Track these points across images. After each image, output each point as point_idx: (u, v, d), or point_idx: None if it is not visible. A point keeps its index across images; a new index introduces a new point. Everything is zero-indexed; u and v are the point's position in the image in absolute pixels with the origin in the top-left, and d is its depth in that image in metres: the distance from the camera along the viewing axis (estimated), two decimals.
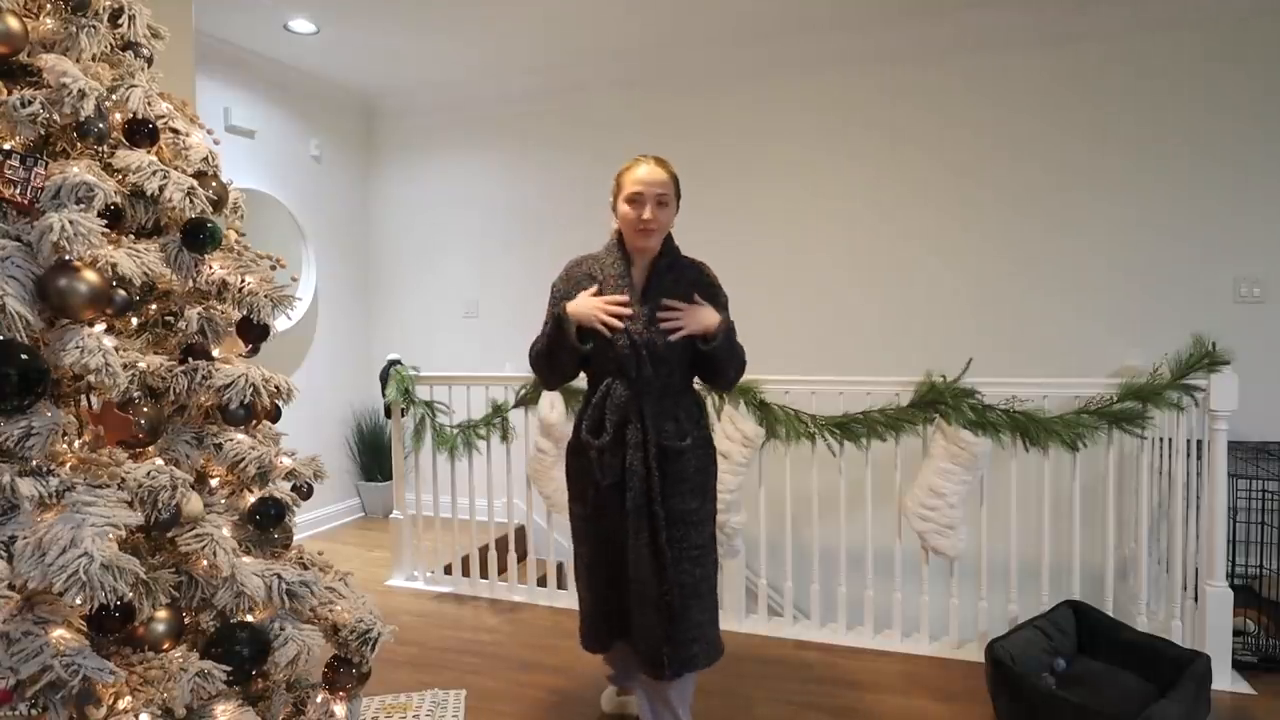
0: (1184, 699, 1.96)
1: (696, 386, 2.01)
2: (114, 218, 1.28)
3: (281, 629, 1.34)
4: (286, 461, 1.53)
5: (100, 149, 1.30)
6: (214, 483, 1.46)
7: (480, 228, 4.70)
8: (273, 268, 1.53)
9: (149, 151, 1.36)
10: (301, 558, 1.52)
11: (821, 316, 3.95)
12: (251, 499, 1.45)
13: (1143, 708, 1.92)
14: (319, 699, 1.47)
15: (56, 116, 1.18)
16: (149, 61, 1.48)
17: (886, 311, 3.84)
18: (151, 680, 1.15)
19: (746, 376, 2.17)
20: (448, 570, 3.49)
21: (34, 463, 1.06)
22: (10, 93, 1.17)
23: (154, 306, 1.43)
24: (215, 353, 1.43)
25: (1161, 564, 2.78)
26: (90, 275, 1.12)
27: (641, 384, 1.85)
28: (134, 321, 1.40)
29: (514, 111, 4.57)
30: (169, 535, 1.25)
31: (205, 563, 1.27)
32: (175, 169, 1.37)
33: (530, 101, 4.51)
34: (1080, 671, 2.28)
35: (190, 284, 1.41)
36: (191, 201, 1.33)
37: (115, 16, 1.42)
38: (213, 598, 1.28)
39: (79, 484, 1.07)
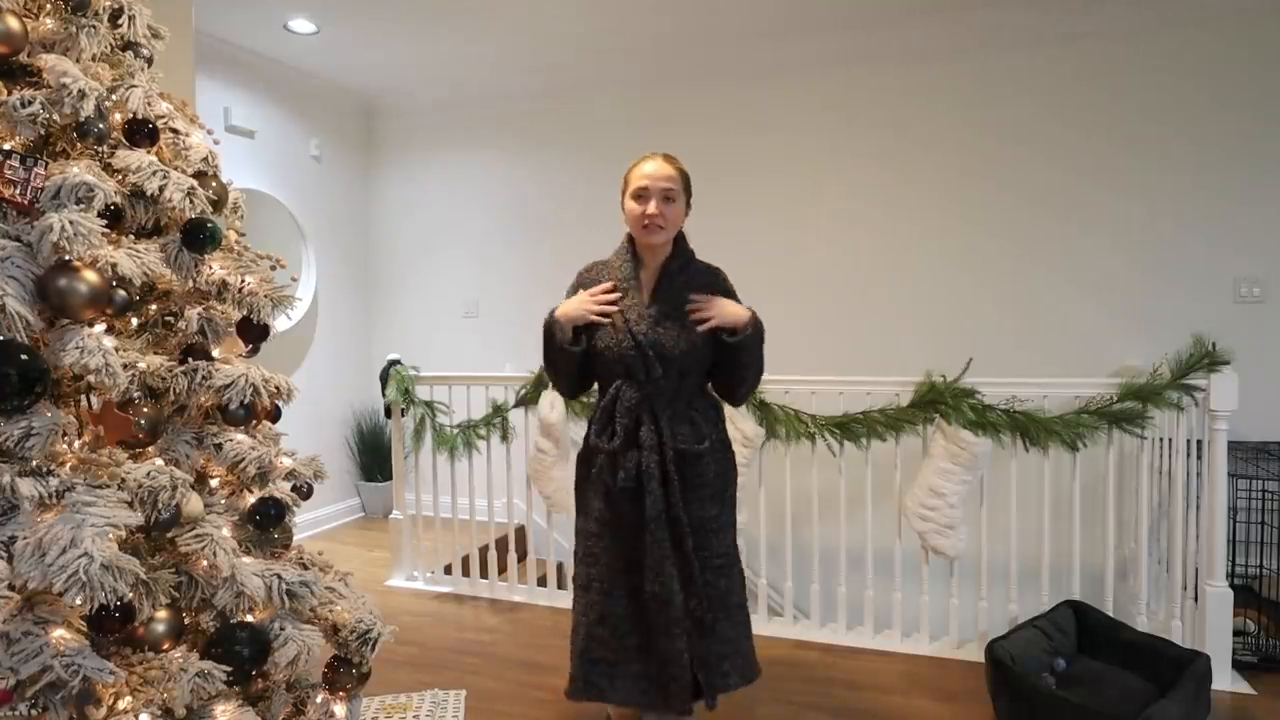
0: (1184, 699, 1.96)
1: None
2: (114, 218, 1.28)
3: (281, 629, 1.34)
4: (286, 461, 1.53)
5: (100, 149, 1.30)
6: (214, 483, 1.46)
7: (480, 227, 4.70)
8: (273, 268, 1.53)
9: (149, 152, 1.36)
10: (301, 558, 1.52)
11: (822, 316, 3.95)
12: (251, 499, 1.45)
13: (1143, 708, 1.92)
14: (319, 699, 1.47)
15: (56, 116, 1.19)
16: (149, 61, 1.49)
17: (886, 311, 3.84)
18: (151, 680, 1.15)
19: None
20: (448, 570, 3.49)
21: (34, 463, 1.06)
22: (10, 93, 1.17)
23: (154, 306, 1.43)
24: (215, 353, 1.43)
25: (1161, 564, 2.79)
26: (90, 275, 1.12)
27: (651, 387, 1.78)
28: (134, 321, 1.40)
29: (514, 111, 4.56)
30: (169, 535, 1.25)
31: (205, 563, 1.27)
32: (175, 169, 1.37)
33: (530, 101, 4.51)
34: (1080, 671, 2.28)
35: (190, 284, 1.41)
36: (191, 202, 1.33)
37: (115, 16, 1.42)
38: (213, 598, 1.28)
39: (79, 484, 1.07)
